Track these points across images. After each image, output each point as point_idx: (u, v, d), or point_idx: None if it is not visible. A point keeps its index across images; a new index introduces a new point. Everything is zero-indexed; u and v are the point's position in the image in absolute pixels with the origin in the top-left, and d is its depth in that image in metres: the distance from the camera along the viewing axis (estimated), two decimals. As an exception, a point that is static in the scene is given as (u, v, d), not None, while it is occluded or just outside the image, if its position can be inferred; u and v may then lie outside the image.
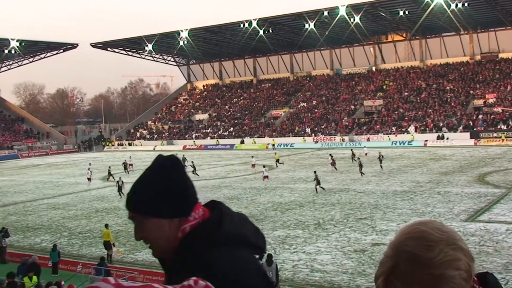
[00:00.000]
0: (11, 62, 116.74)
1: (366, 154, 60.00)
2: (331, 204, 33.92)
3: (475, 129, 76.46)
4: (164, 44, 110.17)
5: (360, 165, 45.90)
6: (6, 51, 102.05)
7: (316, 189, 38.34)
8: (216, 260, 1.87)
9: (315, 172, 40.23)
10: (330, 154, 54.13)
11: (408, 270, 1.52)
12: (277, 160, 57.39)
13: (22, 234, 30.74)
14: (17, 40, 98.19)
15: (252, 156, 58.02)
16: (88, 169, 54.28)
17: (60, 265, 23.39)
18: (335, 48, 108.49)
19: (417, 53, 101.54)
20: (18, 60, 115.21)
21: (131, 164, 60.32)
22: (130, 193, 2.03)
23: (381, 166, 50.30)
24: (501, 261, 20.38)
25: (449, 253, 1.53)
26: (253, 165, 53.80)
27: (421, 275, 1.50)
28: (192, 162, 55.41)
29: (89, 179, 50.98)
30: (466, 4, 78.99)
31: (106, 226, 26.17)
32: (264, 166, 46.82)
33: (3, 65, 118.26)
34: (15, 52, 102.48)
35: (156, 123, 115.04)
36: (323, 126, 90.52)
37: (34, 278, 18.45)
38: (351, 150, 61.06)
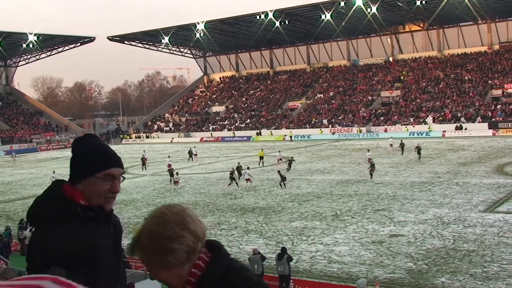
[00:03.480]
0: (29, 56, 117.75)
1: (391, 145, 58.78)
2: (348, 195, 33.88)
3: (493, 119, 75.82)
4: (181, 37, 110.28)
5: (372, 166, 40.98)
6: (24, 45, 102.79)
7: (280, 185, 38.08)
8: None
9: (279, 171, 40.46)
10: (368, 149, 50.50)
11: (146, 241, 1.98)
12: (261, 158, 53.65)
13: (42, 226, 31.02)
14: (35, 34, 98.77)
15: (279, 151, 56.70)
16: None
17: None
18: (352, 39, 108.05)
19: (434, 43, 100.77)
20: (36, 54, 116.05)
21: (146, 158, 58.88)
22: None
23: (419, 157, 48.52)
24: (520, 252, 20.25)
25: (176, 231, 1.96)
26: (279, 159, 52.60)
27: (155, 245, 1.95)
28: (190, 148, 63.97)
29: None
30: (484, -7, 78.32)
31: None
32: (248, 168, 42.23)
33: (21, 59, 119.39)
34: (33, 46, 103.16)
35: (173, 115, 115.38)
36: (340, 117, 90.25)
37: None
38: (401, 141, 56.35)
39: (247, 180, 40.10)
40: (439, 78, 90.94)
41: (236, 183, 39.59)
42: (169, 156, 55.95)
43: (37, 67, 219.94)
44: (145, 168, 55.36)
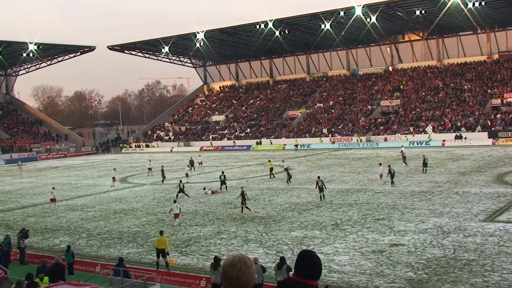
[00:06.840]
0: (29, 65, 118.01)
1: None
2: (348, 204, 33.82)
3: (493, 128, 75.84)
4: (181, 46, 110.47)
5: (392, 175, 40.61)
6: (24, 55, 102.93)
7: (321, 197, 36.07)
8: None
9: (318, 177, 38.03)
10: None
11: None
12: (271, 169, 50.56)
13: (41, 235, 30.98)
14: (35, 44, 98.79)
15: (283, 160, 55.64)
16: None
17: (78, 266, 23.49)
18: (352, 48, 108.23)
19: (434, 52, 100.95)
20: (36, 63, 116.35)
21: (150, 168, 58.48)
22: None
23: (424, 169, 46.51)
24: (520, 261, 20.19)
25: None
26: (286, 169, 49.31)
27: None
28: (191, 159, 62.39)
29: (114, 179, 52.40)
30: (483, 3, 78.30)
31: (161, 233, 24.25)
32: (174, 202, 33.15)
33: (22, 68, 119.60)
34: (33, 55, 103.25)
35: (173, 124, 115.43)
36: (340, 127, 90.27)
37: (46, 279, 18.57)
38: (402, 151, 56.38)
39: (176, 215, 31.21)
40: (438, 87, 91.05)
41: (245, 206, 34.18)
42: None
43: (37, 76, 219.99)
44: (163, 177, 52.27)
